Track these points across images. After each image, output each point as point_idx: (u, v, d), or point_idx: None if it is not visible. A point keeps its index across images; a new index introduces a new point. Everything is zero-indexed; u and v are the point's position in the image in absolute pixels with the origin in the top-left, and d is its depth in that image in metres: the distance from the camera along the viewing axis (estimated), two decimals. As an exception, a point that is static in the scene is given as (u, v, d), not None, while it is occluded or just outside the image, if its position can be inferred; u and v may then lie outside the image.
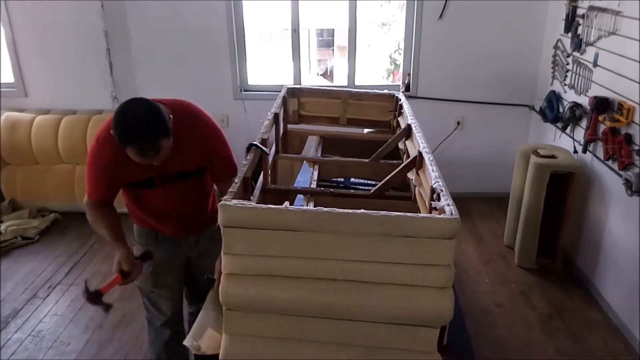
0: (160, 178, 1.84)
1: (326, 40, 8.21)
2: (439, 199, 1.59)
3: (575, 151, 3.25)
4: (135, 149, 1.60)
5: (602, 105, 2.86)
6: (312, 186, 2.44)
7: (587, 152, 3.07)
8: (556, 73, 3.60)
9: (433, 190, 1.70)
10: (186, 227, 2.01)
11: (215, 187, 2.07)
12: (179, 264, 2.09)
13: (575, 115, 3.19)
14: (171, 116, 1.68)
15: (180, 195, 1.91)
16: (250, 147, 2.04)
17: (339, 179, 2.78)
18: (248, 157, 1.94)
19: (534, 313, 2.92)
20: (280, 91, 3.02)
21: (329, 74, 8.01)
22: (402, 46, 4.12)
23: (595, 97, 2.90)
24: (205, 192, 2.03)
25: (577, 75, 3.26)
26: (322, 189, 2.38)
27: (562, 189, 3.14)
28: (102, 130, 1.77)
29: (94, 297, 1.79)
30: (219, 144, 1.91)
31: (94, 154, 1.78)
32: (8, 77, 4.15)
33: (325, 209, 1.44)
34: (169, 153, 1.70)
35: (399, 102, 2.91)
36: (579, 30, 3.20)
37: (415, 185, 2.15)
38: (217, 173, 1.95)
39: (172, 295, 2.14)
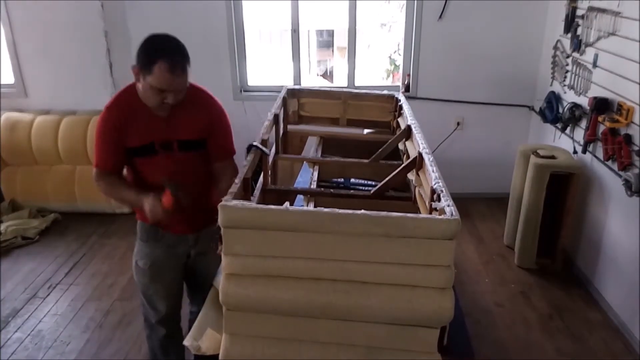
0: (161, 145, 1.87)
1: (326, 41, 8.20)
2: (439, 200, 1.59)
3: (575, 152, 3.25)
4: (166, 62, 1.68)
5: (601, 105, 2.86)
6: (312, 187, 2.44)
7: (587, 152, 3.07)
8: (556, 74, 3.60)
9: (433, 191, 1.70)
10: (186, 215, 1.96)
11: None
12: (177, 263, 2.08)
13: (574, 115, 3.20)
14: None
15: (180, 168, 1.91)
16: (250, 147, 2.03)
17: (339, 180, 2.78)
18: (248, 158, 1.94)
19: (534, 313, 2.93)
20: (280, 92, 3.02)
21: (328, 74, 8.01)
22: (401, 47, 4.12)
23: (595, 98, 2.90)
24: (205, 172, 2.01)
25: (576, 76, 3.26)
26: (322, 189, 2.38)
27: (562, 190, 3.14)
28: (110, 100, 1.88)
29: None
30: (222, 119, 1.98)
31: (101, 120, 1.87)
32: (8, 77, 4.15)
33: (326, 210, 1.44)
34: (175, 114, 1.80)
35: (399, 103, 2.91)
36: (579, 31, 3.20)
37: (415, 186, 2.15)
38: (215, 149, 1.98)
39: (169, 293, 2.12)
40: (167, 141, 1.88)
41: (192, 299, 2.30)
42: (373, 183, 2.60)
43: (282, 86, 3.12)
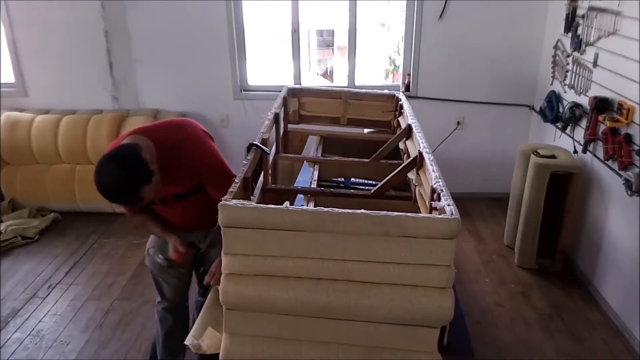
0: (160, 201, 1.97)
1: (326, 41, 8.21)
2: (439, 199, 1.59)
3: (575, 151, 3.25)
4: (116, 202, 1.74)
5: (602, 105, 2.86)
6: (312, 186, 2.44)
7: (587, 152, 3.07)
8: (556, 73, 3.60)
9: (433, 190, 1.70)
10: (196, 230, 2.13)
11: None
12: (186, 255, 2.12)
13: (575, 115, 3.19)
14: (152, 152, 1.74)
15: (183, 210, 2.01)
16: (250, 146, 2.04)
17: (339, 179, 2.78)
18: (248, 157, 1.93)
19: (534, 313, 2.92)
20: (280, 91, 3.02)
21: (329, 74, 8.01)
22: (401, 47, 4.12)
23: (595, 97, 2.90)
24: (209, 203, 2.01)
25: (577, 75, 3.26)
26: (323, 189, 2.38)
27: (562, 189, 3.14)
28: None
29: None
30: (209, 167, 1.93)
31: None
32: (8, 77, 4.15)
33: (326, 209, 1.44)
34: (162, 183, 1.80)
35: (399, 102, 2.91)
36: (579, 31, 3.20)
37: (415, 185, 2.15)
38: (215, 191, 1.93)
39: (176, 284, 2.21)
40: (163, 198, 1.96)
41: (199, 288, 2.38)
42: (373, 182, 2.60)
43: (282, 86, 3.12)
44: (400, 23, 4.18)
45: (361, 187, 2.64)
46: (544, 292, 3.11)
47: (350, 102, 3.08)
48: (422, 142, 2.11)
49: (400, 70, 4.18)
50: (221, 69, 4.07)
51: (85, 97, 4.13)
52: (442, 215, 1.45)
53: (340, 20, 4.27)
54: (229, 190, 1.61)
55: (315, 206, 2.12)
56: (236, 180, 1.71)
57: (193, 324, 1.88)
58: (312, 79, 7.31)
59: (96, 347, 2.68)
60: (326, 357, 1.57)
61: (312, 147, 3.11)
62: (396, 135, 2.62)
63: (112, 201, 1.70)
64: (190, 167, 1.87)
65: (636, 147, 2.60)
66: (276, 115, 2.58)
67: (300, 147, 3.24)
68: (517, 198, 3.39)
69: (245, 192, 1.81)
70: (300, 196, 2.34)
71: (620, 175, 2.69)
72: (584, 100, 3.11)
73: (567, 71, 3.41)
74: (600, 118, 2.87)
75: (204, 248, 2.11)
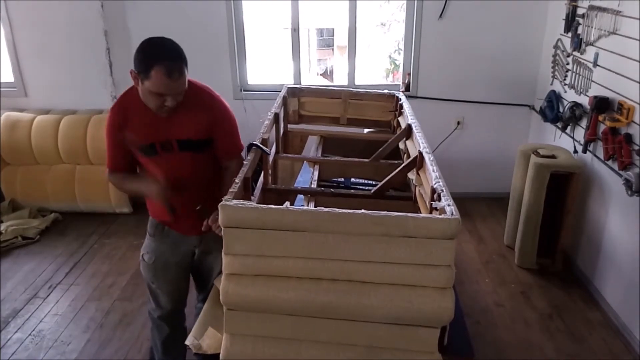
0: (161, 146, 1.90)
1: (326, 40, 8.21)
2: (439, 199, 1.59)
3: (576, 151, 3.25)
4: (163, 67, 1.68)
5: (602, 105, 2.86)
6: (312, 186, 2.44)
7: (587, 152, 3.07)
8: (556, 73, 3.60)
9: (434, 191, 1.70)
10: (191, 213, 1.93)
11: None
12: (182, 261, 2.09)
13: (575, 115, 3.19)
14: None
15: (181, 167, 1.93)
16: (250, 146, 2.04)
17: (339, 179, 2.78)
18: (248, 157, 1.94)
19: (534, 313, 2.92)
20: (280, 91, 3.02)
21: (328, 73, 8.01)
22: (402, 46, 4.12)
23: (595, 97, 2.90)
24: (209, 172, 2.01)
25: (577, 75, 3.26)
26: (323, 189, 2.38)
27: (562, 189, 3.14)
28: (115, 102, 1.96)
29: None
30: (225, 118, 1.97)
31: (106, 122, 1.93)
32: (8, 77, 4.15)
33: (326, 209, 1.44)
34: (174, 115, 1.82)
35: (399, 102, 2.91)
36: (579, 30, 3.20)
37: (415, 186, 2.15)
38: (221, 149, 1.99)
39: (172, 290, 2.14)
40: (167, 141, 1.89)
41: (198, 294, 2.33)
42: (373, 182, 2.60)
43: (282, 85, 3.12)
44: (400, 23, 4.18)
45: (361, 187, 2.64)
46: (544, 292, 3.11)
47: (350, 101, 3.08)
48: (422, 142, 2.11)
49: (401, 69, 4.18)
50: (221, 69, 4.07)
51: (86, 97, 4.12)
52: (442, 216, 1.46)
53: (340, 20, 4.27)
54: (230, 190, 1.61)
55: (315, 206, 2.12)
56: (236, 181, 1.71)
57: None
58: (312, 79, 7.31)
59: (97, 347, 2.68)
60: (326, 357, 1.57)
61: (312, 147, 3.11)
62: (396, 135, 2.62)
63: (159, 58, 1.69)
64: (210, 111, 1.92)
65: (636, 147, 2.60)
66: (276, 115, 2.58)
67: (300, 147, 3.23)
68: (517, 198, 3.39)
69: (246, 192, 1.81)
70: (300, 196, 2.34)
71: (621, 175, 2.69)
72: (584, 100, 3.11)
73: (567, 71, 3.41)
74: (600, 118, 2.87)
75: (198, 253, 2.09)
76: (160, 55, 1.70)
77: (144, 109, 1.83)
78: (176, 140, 1.90)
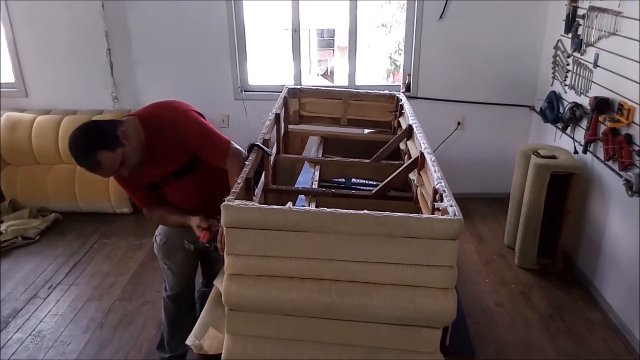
0: (161, 180, 2.01)
1: (327, 41, 8.21)
2: (441, 200, 1.59)
3: (576, 151, 3.26)
4: (78, 164, 1.78)
5: (602, 105, 2.86)
6: (313, 186, 2.44)
7: (588, 152, 3.08)
8: (556, 73, 3.60)
9: (435, 191, 1.70)
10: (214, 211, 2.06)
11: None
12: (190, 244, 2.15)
13: (575, 115, 3.20)
14: (137, 130, 1.85)
15: (192, 189, 2.04)
16: (251, 147, 2.04)
17: (340, 180, 2.78)
18: (250, 158, 1.94)
19: (534, 313, 2.93)
20: (280, 91, 3.02)
21: (329, 74, 8.01)
22: (402, 47, 4.12)
23: (596, 98, 2.90)
24: (216, 177, 2.05)
25: (577, 76, 3.26)
26: (324, 189, 2.38)
27: (563, 190, 3.14)
28: None
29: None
30: (193, 133, 1.96)
31: (113, 177, 2.01)
32: (8, 77, 4.15)
33: (328, 210, 1.44)
34: (151, 159, 1.88)
35: (400, 103, 2.91)
36: (580, 31, 3.20)
37: (417, 186, 2.15)
38: (209, 160, 2.02)
39: (181, 272, 2.24)
40: (163, 176, 2.00)
41: (203, 278, 2.45)
42: (374, 183, 2.60)
43: (283, 86, 3.12)
44: (400, 23, 4.18)
45: (362, 187, 2.63)
46: (544, 292, 3.11)
47: (351, 102, 3.08)
48: (423, 143, 2.11)
49: (401, 70, 4.18)
50: (221, 69, 4.07)
51: (86, 98, 4.13)
52: (445, 216, 1.46)
53: (341, 20, 4.27)
54: (232, 190, 1.62)
55: (316, 207, 2.12)
56: (238, 181, 1.71)
57: (199, 312, 1.89)
58: (312, 79, 7.31)
59: (97, 348, 2.68)
60: (328, 358, 1.58)
61: (312, 148, 3.11)
62: (397, 135, 2.63)
63: (77, 162, 1.77)
64: (177, 139, 1.93)
65: (636, 148, 2.61)
66: (277, 116, 2.58)
67: (301, 148, 3.24)
68: (517, 198, 3.39)
69: (248, 192, 1.81)
70: (301, 197, 2.34)
71: (621, 176, 2.69)
72: (585, 101, 3.11)
73: (567, 71, 3.41)
74: (600, 118, 2.88)
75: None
76: (72, 155, 1.78)
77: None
78: (170, 173, 1.99)
